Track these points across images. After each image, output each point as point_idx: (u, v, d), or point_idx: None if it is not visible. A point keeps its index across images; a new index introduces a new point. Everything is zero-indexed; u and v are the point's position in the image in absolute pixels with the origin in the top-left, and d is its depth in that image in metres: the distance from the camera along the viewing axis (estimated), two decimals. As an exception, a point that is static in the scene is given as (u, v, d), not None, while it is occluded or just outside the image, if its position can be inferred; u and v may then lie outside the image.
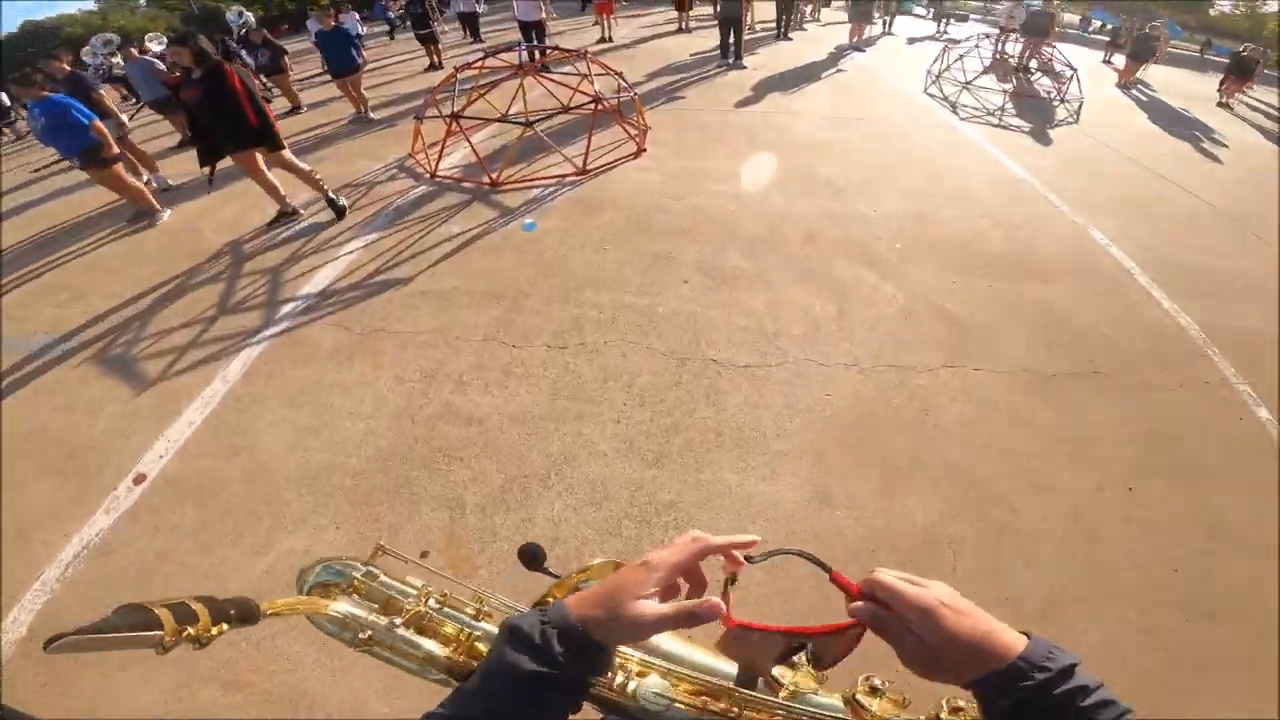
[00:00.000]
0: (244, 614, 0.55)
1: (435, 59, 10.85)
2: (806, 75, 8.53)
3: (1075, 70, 7.95)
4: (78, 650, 0.44)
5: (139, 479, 2.51)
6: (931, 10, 17.50)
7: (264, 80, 9.85)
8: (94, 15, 42.20)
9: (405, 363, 3.09)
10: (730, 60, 8.95)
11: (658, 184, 4.92)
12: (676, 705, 0.59)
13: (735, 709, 0.58)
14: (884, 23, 14.66)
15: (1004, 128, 6.74)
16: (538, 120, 5.10)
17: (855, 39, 11.51)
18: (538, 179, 5.03)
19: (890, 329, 3.30)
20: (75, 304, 3.88)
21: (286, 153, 4.43)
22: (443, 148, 5.25)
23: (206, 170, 4.28)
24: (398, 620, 0.66)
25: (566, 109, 5.24)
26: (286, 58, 8.66)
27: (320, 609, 0.65)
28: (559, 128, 5.93)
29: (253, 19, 12.83)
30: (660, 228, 4.24)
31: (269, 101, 8.76)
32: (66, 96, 4.70)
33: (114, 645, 0.46)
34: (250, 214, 4.88)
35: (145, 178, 6.02)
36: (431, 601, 0.68)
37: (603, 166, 5.19)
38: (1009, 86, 8.53)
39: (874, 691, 0.56)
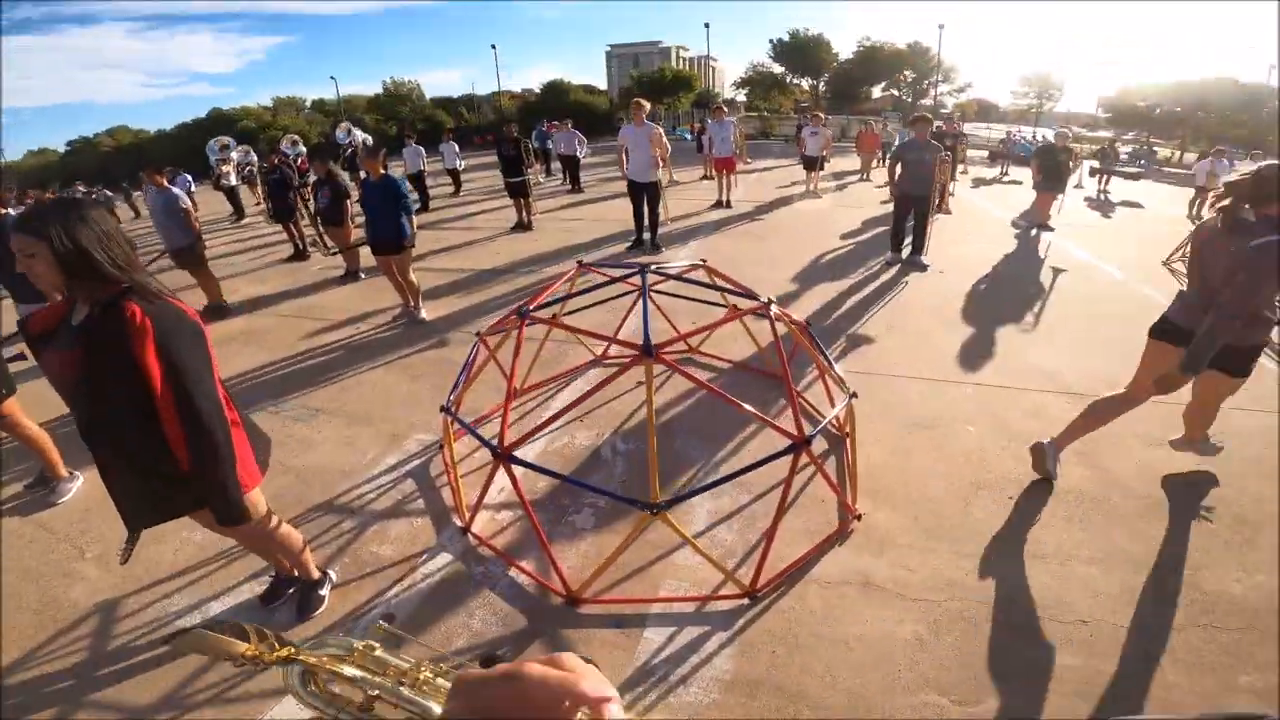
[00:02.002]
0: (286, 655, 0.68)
1: (525, 215, 9.28)
2: (1025, 283, 6.02)
3: None
4: (191, 647, 0.61)
5: None
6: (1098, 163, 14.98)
7: (320, 232, 8.36)
8: (266, 111, 47.14)
9: None
10: (906, 255, 6.58)
11: (915, 677, 2.33)
12: None
13: None
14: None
15: None
16: (672, 504, 2.61)
17: (1044, 217, 8.99)
18: (657, 602, 2.54)
19: None
20: None
21: (271, 523, 2.23)
22: (484, 491, 2.95)
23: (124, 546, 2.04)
24: (404, 680, 0.69)
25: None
26: (351, 204, 6.79)
27: (334, 666, 0.70)
28: (687, 414, 3.62)
29: (303, 146, 11.63)
30: None
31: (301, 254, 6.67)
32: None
33: (213, 649, 0.63)
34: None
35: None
36: (426, 672, 0.69)
37: (783, 574, 2.65)
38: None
39: None
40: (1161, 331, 2.83)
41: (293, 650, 0.66)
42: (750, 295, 2.96)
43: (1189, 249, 3.36)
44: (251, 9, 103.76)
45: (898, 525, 2.93)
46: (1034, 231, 8.71)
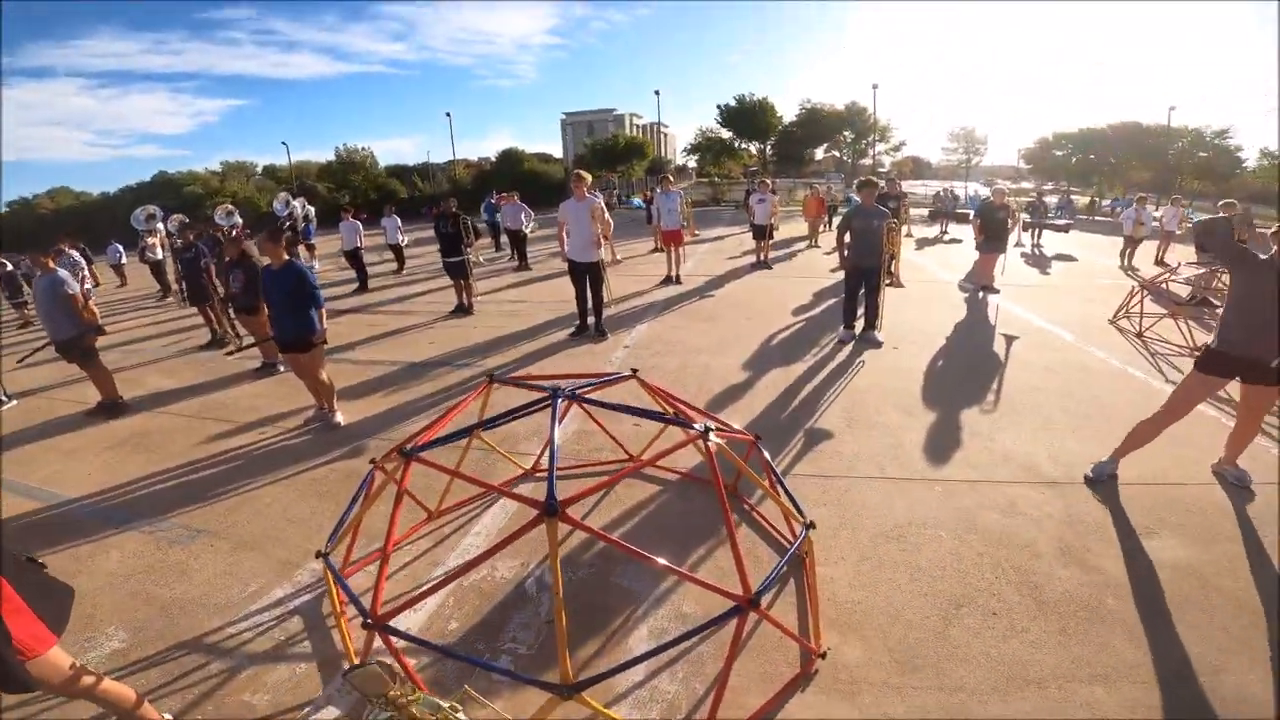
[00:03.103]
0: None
1: (465, 298, 8.85)
2: (980, 355, 5.88)
3: None
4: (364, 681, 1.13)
5: None
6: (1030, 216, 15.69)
7: (231, 321, 7.79)
8: (214, 176, 45.41)
9: None
10: (859, 332, 6.41)
11: None
12: None
13: None
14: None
15: None
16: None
17: (988, 279, 9.07)
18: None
19: None
20: None
21: (82, 684, 1.90)
22: (365, 652, 2.42)
23: None
24: None
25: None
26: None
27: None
28: (627, 537, 3.17)
29: (238, 217, 10.25)
30: None
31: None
32: None
33: (374, 687, 1.05)
34: None
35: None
36: None
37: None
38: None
39: None
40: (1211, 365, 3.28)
41: (418, 700, 0.98)
42: (686, 417, 2.57)
43: None
44: (209, 69, 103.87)
45: (869, 659, 2.50)
46: (980, 294, 8.78)
